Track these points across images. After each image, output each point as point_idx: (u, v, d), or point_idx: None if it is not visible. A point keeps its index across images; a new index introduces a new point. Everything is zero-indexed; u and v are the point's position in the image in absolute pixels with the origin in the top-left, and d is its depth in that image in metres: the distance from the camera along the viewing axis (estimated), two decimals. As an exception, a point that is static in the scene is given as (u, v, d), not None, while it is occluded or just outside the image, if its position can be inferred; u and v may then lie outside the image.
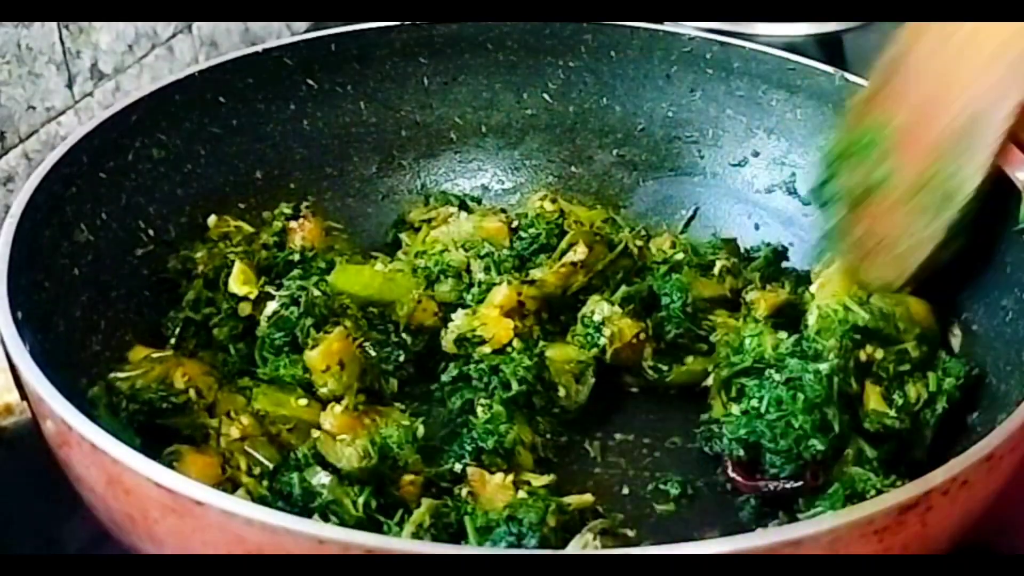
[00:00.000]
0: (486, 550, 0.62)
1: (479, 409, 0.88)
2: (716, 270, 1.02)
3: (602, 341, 0.94)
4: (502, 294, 0.94)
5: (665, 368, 0.96)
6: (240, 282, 0.95)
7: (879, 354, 0.87)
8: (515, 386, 0.89)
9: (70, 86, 1.13)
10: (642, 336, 0.95)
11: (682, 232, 1.11)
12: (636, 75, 1.13)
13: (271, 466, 0.81)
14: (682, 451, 0.92)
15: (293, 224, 1.02)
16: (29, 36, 1.06)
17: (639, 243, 1.04)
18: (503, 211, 1.08)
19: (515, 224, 1.04)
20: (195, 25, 1.31)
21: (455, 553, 0.56)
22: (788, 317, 0.95)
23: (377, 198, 1.12)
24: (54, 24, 1.09)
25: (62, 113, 1.12)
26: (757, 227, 1.10)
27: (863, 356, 0.87)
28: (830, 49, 1.28)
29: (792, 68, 1.07)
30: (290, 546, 0.57)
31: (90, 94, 1.16)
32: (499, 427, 0.86)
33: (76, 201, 0.88)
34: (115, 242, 0.92)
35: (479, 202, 1.13)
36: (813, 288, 0.96)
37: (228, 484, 0.79)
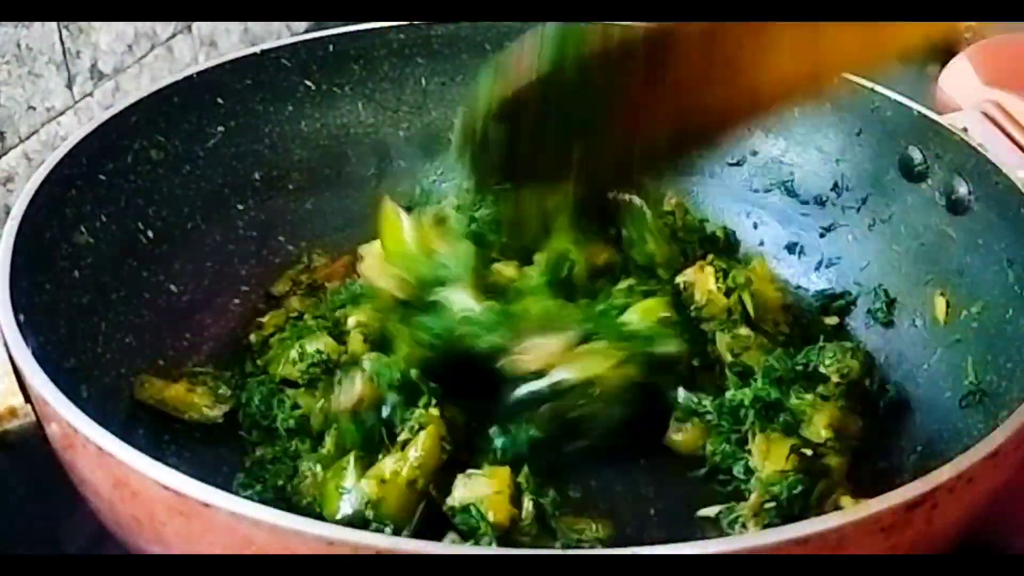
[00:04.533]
0: (493, 550, 0.62)
1: None
2: None
3: None
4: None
5: None
6: None
7: None
8: None
9: (70, 86, 1.13)
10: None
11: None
12: (634, 75, 1.13)
13: None
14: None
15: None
16: (29, 36, 1.06)
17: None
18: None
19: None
20: (195, 25, 1.32)
21: (465, 553, 0.56)
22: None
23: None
24: (54, 24, 1.09)
25: (62, 113, 1.13)
26: (756, 226, 1.10)
27: None
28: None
29: (790, 67, 1.07)
30: (299, 547, 0.57)
31: (90, 94, 1.16)
32: None
33: (76, 203, 0.88)
34: (115, 244, 0.92)
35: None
36: None
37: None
